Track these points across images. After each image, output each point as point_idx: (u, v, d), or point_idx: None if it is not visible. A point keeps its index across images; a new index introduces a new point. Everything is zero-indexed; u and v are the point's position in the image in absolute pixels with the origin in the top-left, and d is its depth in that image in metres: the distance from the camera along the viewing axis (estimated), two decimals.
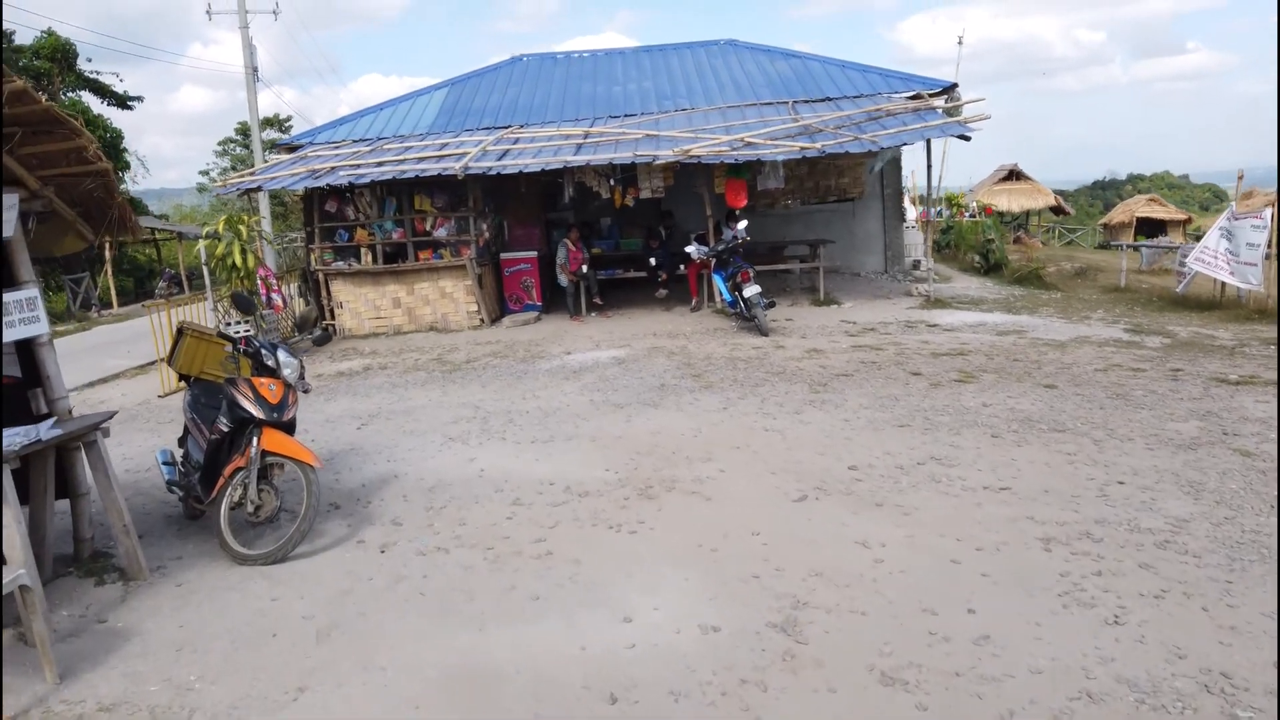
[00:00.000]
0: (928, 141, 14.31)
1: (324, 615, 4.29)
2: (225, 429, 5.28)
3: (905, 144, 13.78)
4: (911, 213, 23.38)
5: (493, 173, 13.62)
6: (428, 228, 14.61)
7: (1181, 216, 40.16)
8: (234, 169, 40.69)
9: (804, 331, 12.47)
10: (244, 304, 5.57)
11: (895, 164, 18.70)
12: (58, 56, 31.10)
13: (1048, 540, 4.70)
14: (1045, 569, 4.36)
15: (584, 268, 14.81)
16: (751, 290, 12.17)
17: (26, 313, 4.81)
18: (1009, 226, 34.68)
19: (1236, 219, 12.72)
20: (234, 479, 5.16)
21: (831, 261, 15.94)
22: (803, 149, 13.30)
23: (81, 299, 26.84)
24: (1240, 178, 14.73)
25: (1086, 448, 6.41)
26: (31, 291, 4.88)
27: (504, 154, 14.43)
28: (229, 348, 5.51)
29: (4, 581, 3.55)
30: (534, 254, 15.68)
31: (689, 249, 13.83)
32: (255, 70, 25.55)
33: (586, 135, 15.15)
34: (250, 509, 5.08)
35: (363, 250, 14.70)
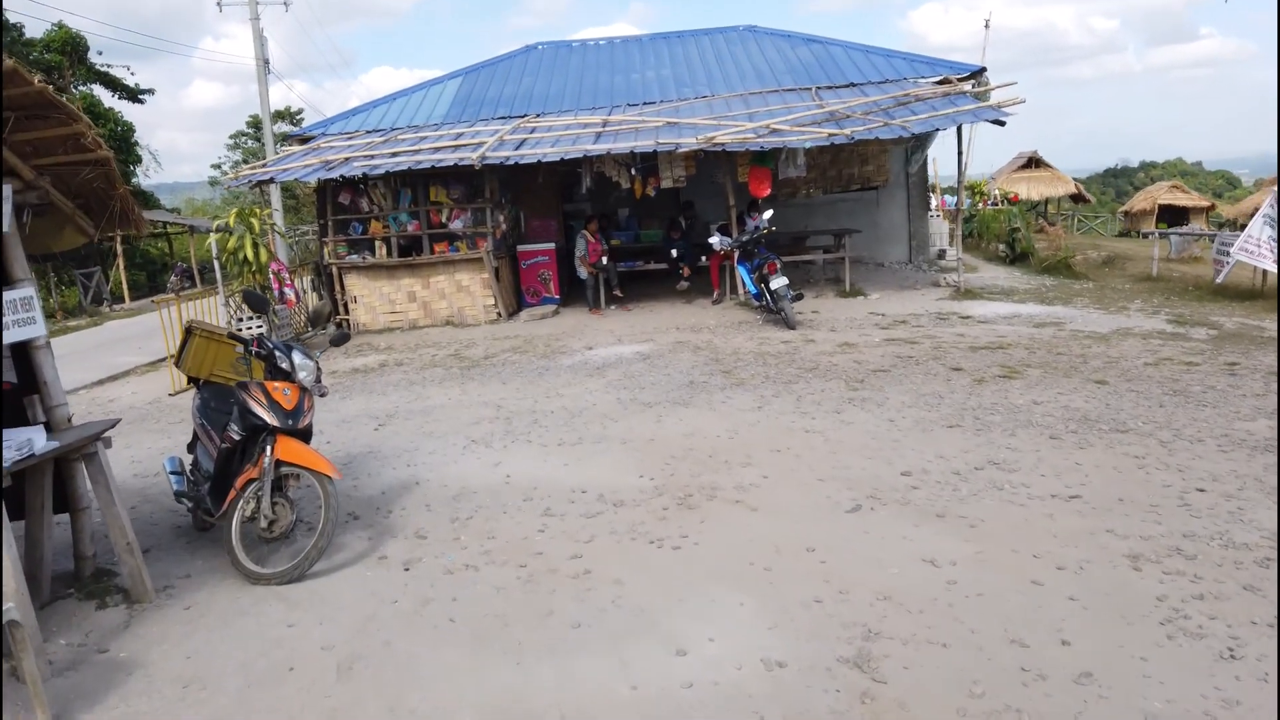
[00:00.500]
0: (959, 127, 13.84)
1: (346, 645, 3.91)
2: (237, 437, 4.91)
3: (938, 129, 13.31)
4: (931, 201, 22.85)
5: (510, 162, 13.22)
6: (443, 219, 14.23)
7: (1205, 203, 39.47)
8: (246, 162, 40.40)
9: (832, 324, 12.05)
10: (256, 302, 5.20)
11: (920, 151, 18.20)
12: (68, 50, 30.87)
13: (1135, 557, 4.28)
14: (1139, 591, 3.94)
15: (603, 259, 14.42)
16: (779, 282, 11.74)
17: (21, 313, 4.45)
18: (1030, 215, 34.01)
19: None
20: (246, 491, 4.80)
21: (855, 252, 15.48)
22: (831, 135, 12.84)
23: (93, 294, 26.62)
24: None
25: (1154, 450, 5.98)
26: (27, 291, 4.51)
27: (521, 143, 14.03)
28: (240, 349, 5.13)
29: None
30: (551, 246, 15.29)
31: (712, 240, 13.40)
32: (267, 62, 25.21)
33: (605, 124, 14.73)
34: (264, 524, 4.71)
35: (377, 243, 14.33)
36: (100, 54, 37.40)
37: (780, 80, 16.81)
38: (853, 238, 15.62)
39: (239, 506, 4.78)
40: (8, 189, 4.38)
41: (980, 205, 28.96)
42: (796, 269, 16.21)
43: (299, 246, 26.03)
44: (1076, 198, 42.82)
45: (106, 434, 4.51)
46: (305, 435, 5.02)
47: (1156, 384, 7.80)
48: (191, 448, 5.80)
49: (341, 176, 13.65)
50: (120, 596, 4.53)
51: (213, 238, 12.44)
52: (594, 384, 9.25)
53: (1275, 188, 13.38)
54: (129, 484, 7.33)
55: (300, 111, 44.23)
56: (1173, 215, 36.79)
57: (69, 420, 4.69)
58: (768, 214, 12.77)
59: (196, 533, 5.59)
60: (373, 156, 13.99)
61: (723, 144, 12.87)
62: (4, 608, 3.21)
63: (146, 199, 34.15)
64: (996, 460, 5.92)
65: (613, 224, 16.92)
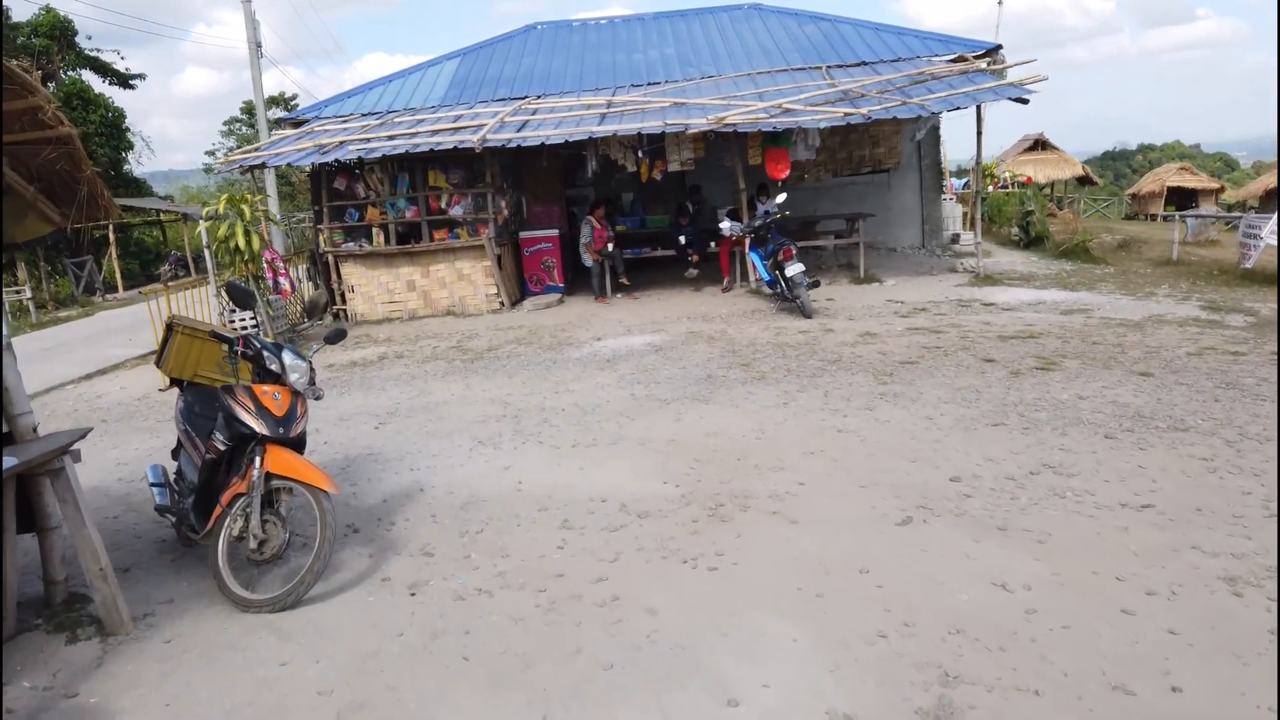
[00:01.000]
0: (977, 107, 13.31)
1: (345, 688, 3.43)
2: (222, 447, 4.42)
3: (957, 108, 12.77)
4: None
5: (512, 145, 12.68)
6: (443, 205, 13.70)
7: (1214, 185, 38.90)
8: (239, 148, 39.73)
9: (850, 312, 11.55)
10: (240, 295, 4.68)
11: (933, 133, 17.67)
12: (56, 34, 30.17)
13: (1233, 580, 3.81)
14: (1246, 623, 3.47)
15: (609, 246, 13.90)
16: (794, 269, 11.24)
17: None
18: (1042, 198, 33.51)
19: None
20: (233, 508, 4.31)
21: (866, 236, 14.99)
22: (847, 115, 12.30)
23: (85, 283, 26.04)
24: None
25: (1222, 451, 5.51)
26: None
27: (523, 125, 13.48)
28: (226, 348, 4.63)
29: None
30: (555, 232, 14.76)
31: (722, 225, 12.89)
32: (259, 45, 24.56)
33: (610, 105, 14.18)
34: (253, 544, 4.22)
35: (374, 230, 13.80)
36: (90, 39, 36.77)
37: (789, 59, 16.26)
38: (865, 222, 15.12)
39: (225, 525, 4.29)
40: None
41: (990, 188, 28.43)
42: (807, 255, 15.68)
43: (294, 234, 25.45)
44: (1083, 180, 42.26)
45: (75, 446, 4.02)
46: (298, 444, 4.53)
47: (1205, 376, 7.33)
48: (176, 454, 5.32)
49: (336, 160, 13.12)
50: (93, 628, 4.05)
51: (202, 225, 11.90)
52: (605, 378, 8.76)
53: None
54: (113, 489, 6.85)
55: (295, 97, 43.56)
56: (1181, 197, 36.24)
57: (34, 430, 4.20)
58: (781, 197, 12.25)
59: (182, 548, 5.10)
60: (369, 140, 13.45)
61: (734, 124, 12.34)
62: None
63: (139, 186, 33.53)
64: (1051, 463, 5.44)
65: (618, 209, 16.38)
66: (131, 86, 34.31)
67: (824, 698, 3.13)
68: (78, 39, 31.16)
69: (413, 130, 13.66)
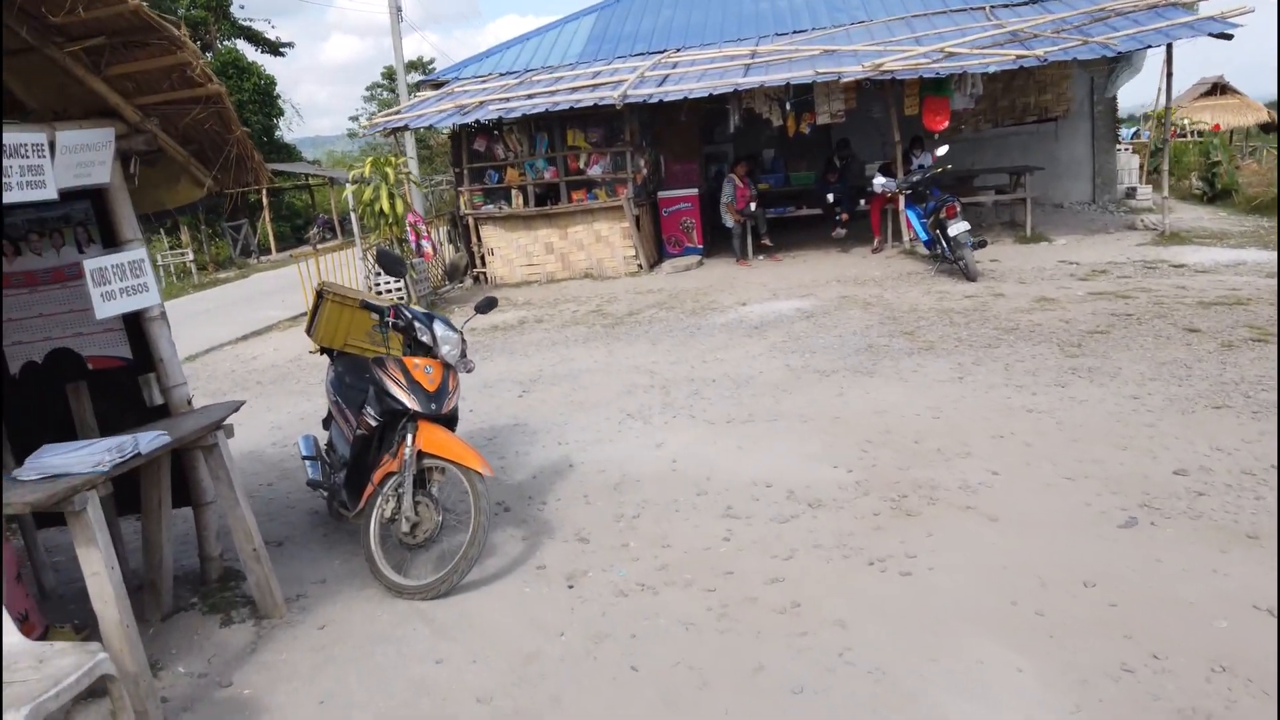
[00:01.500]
0: (1168, 46, 11.89)
1: (505, 697, 3.13)
2: (373, 422, 4.19)
3: (1147, 46, 11.44)
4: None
5: (653, 100, 12.19)
6: (581, 165, 13.38)
7: None
8: (381, 112, 40.79)
9: (1019, 275, 10.58)
10: (390, 263, 4.43)
11: (1107, 76, 16.07)
12: (213, 4, 31.54)
13: None
14: None
15: (751, 205, 13.26)
16: (958, 228, 10.34)
17: (131, 279, 3.82)
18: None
19: None
20: (385, 487, 4.08)
21: (1032, 191, 13.79)
22: (1018, 58, 11.20)
23: (241, 246, 27.33)
24: None
25: None
26: (138, 253, 3.88)
27: (663, 80, 12.95)
28: (377, 318, 4.39)
29: (77, 669, 2.55)
30: (694, 191, 14.22)
31: (877, 181, 12.06)
32: (399, 10, 24.87)
33: (754, 55, 13.45)
34: (405, 527, 3.98)
35: (513, 192, 13.64)
36: (242, 8, 38.31)
37: (948, 0, 15.03)
38: (1032, 176, 13.91)
39: (377, 505, 4.07)
40: (108, 133, 3.73)
41: (1165, 138, 25.99)
42: (964, 213, 14.60)
43: (433, 197, 25.87)
44: (1267, 127, 38.25)
45: (228, 421, 3.86)
46: (451, 421, 4.27)
47: None
48: (327, 424, 5.18)
49: (477, 121, 12.98)
50: (247, 610, 3.91)
51: (349, 189, 12.00)
52: (755, 346, 8.26)
53: None
54: (267, 454, 6.89)
55: (432, 61, 44.34)
56: None
57: (188, 402, 4.09)
58: (942, 150, 11.30)
59: (334, 521, 4.97)
60: (508, 99, 13.23)
61: (891, 71, 11.44)
62: (96, 659, 2.55)
63: (289, 152, 34.88)
64: None
65: (759, 166, 15.66)
66: (281, 54, 35.70)
67: None
68: (231, 9, 32.49)
69: (551, 88, 13.35)
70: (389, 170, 11.45)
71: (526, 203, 13.57)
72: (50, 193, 3.40)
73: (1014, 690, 2.90)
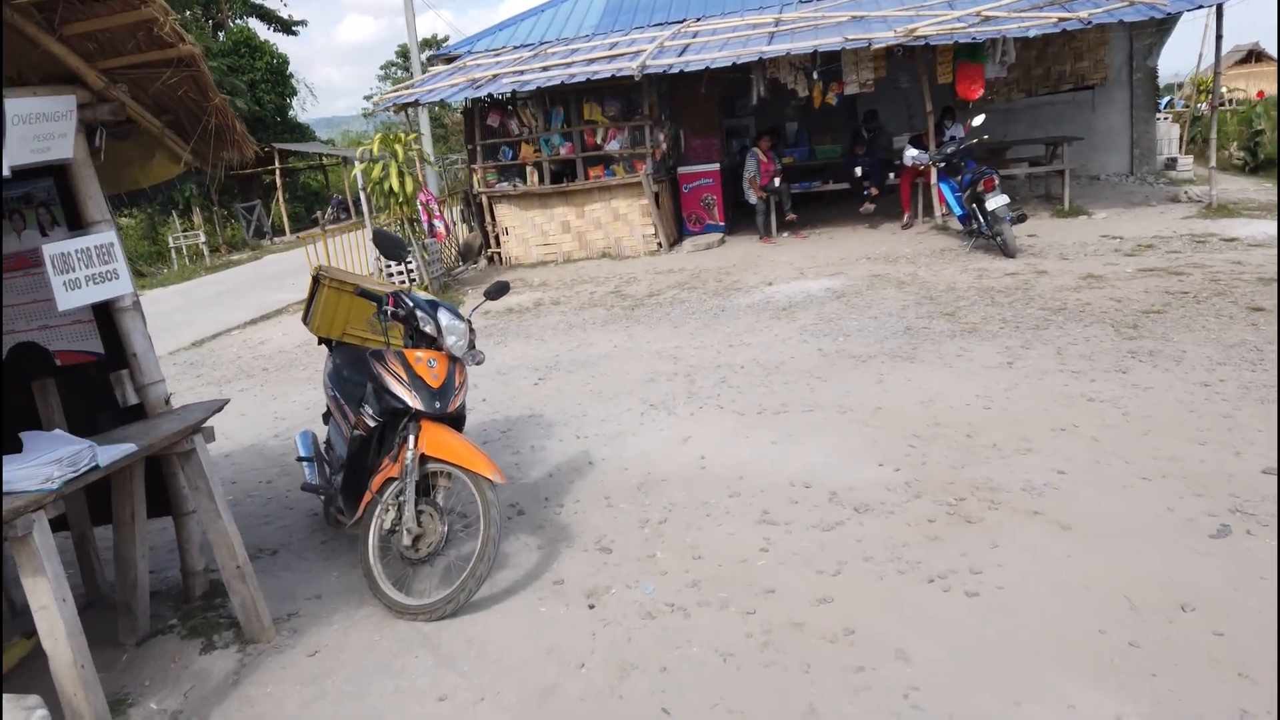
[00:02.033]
0: (1218, 6, 11.22)
1: None
2: (371, 423, 3.78)
3: (1200, 6, 10.79)
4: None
5: (674, 70, 11.65)
6: (598, 140, 12.88)
7: None
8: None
9: (1060, 250, 10.02)
10: (389, 246, 3.98)
11: (1149, 41, 15.36)
12: None
13: None
14: None
15: (776, 180, 12.72)
16: (996, 201, 9.79)
17: (99, 265, 3.41)
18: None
19: None
20: (385, 494, 3.68)
21: (1058, 164, 13.17)
22: (1061, 20, 10.58)
23: (254, 227, 27.01)
24: None
25: None
26: (106, 236, 3.46)
27: (684, 50, 12.41)
28: (377, 306, 3.96)
29: None
30: (715, 167, 13.69)
31: (909, 153, 11.50)
32: None
33: (778, 23, 12.88)
34: (407, 540, 3.57)
35: (528, 169, 13.16)
36: None
37: None
38: (1069, 147, 13.28)
39: (376, 515, 3.67)
40: (69, 101, 3.30)
41: (1202, 106, 25.11)
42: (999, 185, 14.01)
43: (448, 175, 25.43)
44: None
45: (207, 423, 3.45)
46: (457, 420, 3.85)
47: None
48: (328, 418, 4.78)
49: (490, 95, 12.49)
50: (231, 633, 3.52)
51: (357, 168, 11.57)
52: (784, 329, 7.79)
53: None
54: (269, 447, 6.51)
55: (446, 39, 43.70)
56: None
57: (166, 401, 3.68)
58: (978, 119, 10.71)
59: (332, 528, 4.57)
60: (522, 72, 12.72)
61: (924, 37, 10.84)
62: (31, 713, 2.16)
63: (302, 132, 34.44)
64: None
65: (782, 140, 15.08)
66: (294, 33, 35.11)
67: None
68: None
69: (567, 60, 12.84)
70: (398, 148, 11.00)
71: (542, 180, 13.10)
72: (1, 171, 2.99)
73: None
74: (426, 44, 41.92)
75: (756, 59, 11.41)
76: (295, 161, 31.19)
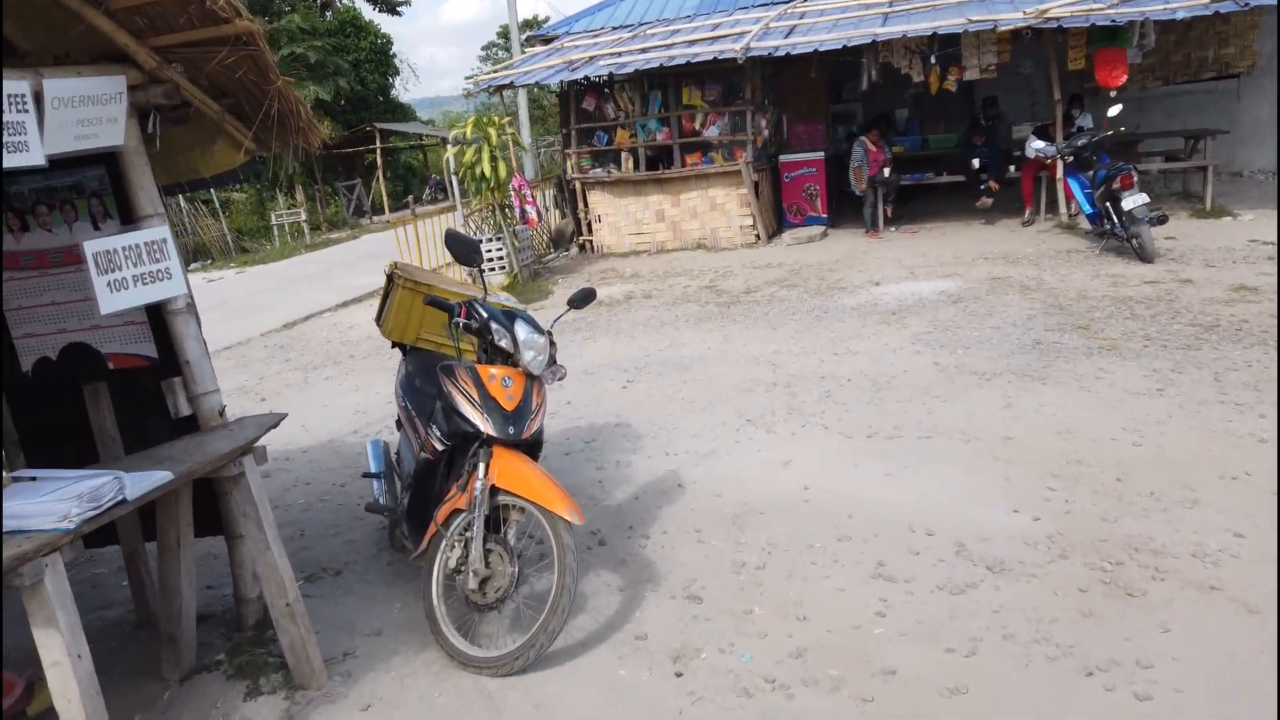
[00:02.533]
0: None
1: None
2: (440, 446, 3.39)
3: None
4: None
5: (780, 53, 11.01)
6: (696, 126, 12.33)
7: None
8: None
9: (1204, 256, 9.04)
10: (462, 250, 3.53)
11: None
12: None
13: None
14: None
15: (884, 171, 11.94)
16: (1134, 200, 8.85)
17: (149, 264, 3.10)
18: None
19: None
20: (451, 527, 3.28)
21: (1200, 158, 12.01)
22: (1212, 1, 9.54)
23: (354, 205, 27.37)
24: None
25: None
26: (159, 231, 3.15)
27: (790, 31, 11.74)
28: (448, 316, 3.56)
29: None
30: (820, 155, 12.97)
31: (1034, 145, 10.61)
32: None
33: (892, 2, 12.06)
34: (473, 584, 3.16)
35: (623, 155, 12.71)
36: None
37: None
38: (1213, 141, 12.11)
39: (441, 551, 3.27)
40: (119, 82, 2.98)
41: None
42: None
43: (544, 159, 25.23)
44: None
45: (259, 441, 3.10)
46: (534, 448, 3.42)
47: None
48: (400, 424, 4.43)
49: (586, 78, 12.08)
50: (280, 677, 3.17)
51: (449, 151, 11.31)
52: (893, 336, 7.15)
53: None
54: (346, 445, 6.25)
55: (547, 20, 43.59)
56: None
57: (220, 413, 3.35)
58: (1115, 109, 9.78)
59: (397, 551, 4.21)
60: (619, 54, 12.26)
61: (1057, 19, 9.93)
62: None
63: (404, 111, 34.80)
64: None
65: (892, 128, 14.23)
66: (398, 13, 35.49)
67: None
68: None
69: (667, 42, 12.31)
70: (491, 131, 10.68)
71: (637, 166, 12.63)
72: (36, 158, 2.68)
73: None
74: (528, 24, 41.84)
75: (869, 41, 10.68)
76: (396, 141, 31.50)
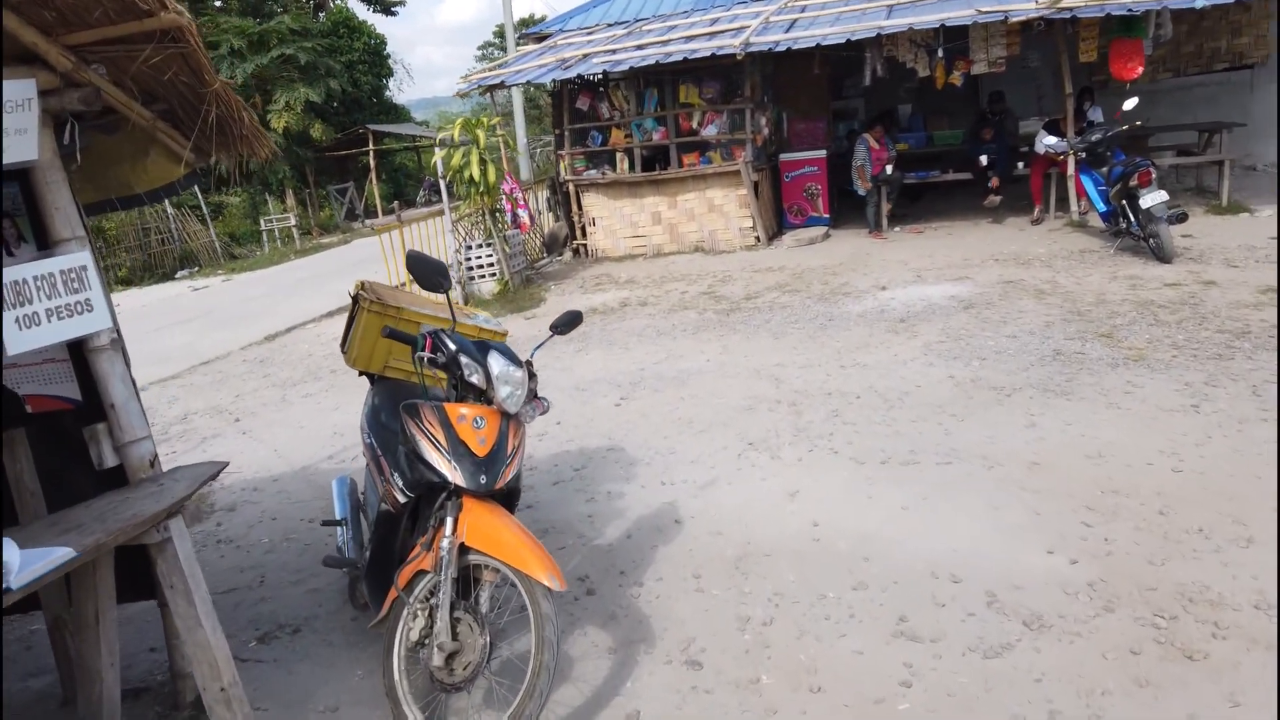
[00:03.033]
0: None
1: None
2: (402, 498, 2.99)
3: None
4: None
5: (780, 48, 10.58)
6: (694, 125, 11.92)
7: None
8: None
9: (1224, 255, 8.62)
10: (422, 272, 3.09)
11: None
12: None
13: None
14: None
15: (887, 169, 11.52)
16: (1153, 198, 8.43)
17: (66, 296, 2.70)
18: None
19: None
20: (415, 590, 2.87)
21: (1215, 152, 11.60)
22: None
23: (347, 209, 26.96)
24: None
25: None
26: (78, 258, 2.75)
27: (791, 25, 11.33)
28: (412, 350, 3.16)
29: None
30: (822, 154, 12.54)
31: (1046, 140, 10.20)
32: None
33: None
34: (439, 659, 2.76)
35: (618, 156, 12.30)
36: None
37: None
38: (1229, 134, 11.69)
39: (403, 620, 2.87)
40: (29, 86, 2.58)
41: None
42: None
43: (539, 158, 24.81)
44: None
45: (186, 499, 2.70)
46: (510, 497, 3.02)
47: None
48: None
49: (579, 76, 11.66)
50: None
51: (437, 154, 10.89)
52: (904, 347, 6.75)
53: None
54: (320, 471, 5.86)
55: (543, 19, 43.15)
56: None
57: (151, 464, 2.95)
58: (1130, 103, 9.36)
59: (359, 610, 3.79)
60: (614, 51, 11.84)
61: (1071, 8, 9.52)
62: None
63: (398, 112, 34.36)
64: None
65: (895, 124, 13.81)
66: (393, 13, 35.06)
67: None
68: None
69: (665, 38, 11.88)
70: (480, 133, 10.27)
71: (632, 167, 12.22)
72: None
73: None
74: (524, 24, 41.45)
75: (874, 35, 10.27)
76: (389, 143, 31.08)
